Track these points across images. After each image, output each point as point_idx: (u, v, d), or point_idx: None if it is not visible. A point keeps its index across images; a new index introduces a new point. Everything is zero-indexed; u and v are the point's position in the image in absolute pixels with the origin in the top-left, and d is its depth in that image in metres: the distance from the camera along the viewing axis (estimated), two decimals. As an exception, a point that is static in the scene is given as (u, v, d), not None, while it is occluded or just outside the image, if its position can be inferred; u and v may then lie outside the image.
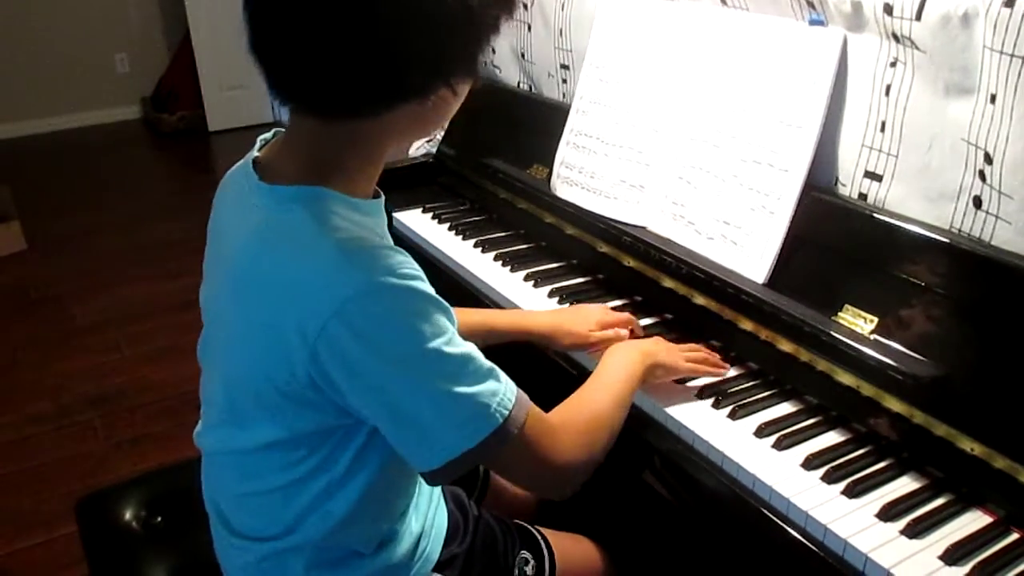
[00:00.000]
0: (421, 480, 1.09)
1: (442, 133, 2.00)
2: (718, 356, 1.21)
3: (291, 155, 0.91)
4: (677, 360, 1.16)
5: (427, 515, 1.10)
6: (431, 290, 0.86)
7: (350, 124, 0.86)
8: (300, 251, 0.84)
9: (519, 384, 0.91)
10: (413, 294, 0.83)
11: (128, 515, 1.33)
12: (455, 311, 1.13)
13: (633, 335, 1.28)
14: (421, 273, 0.86)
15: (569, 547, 1.25)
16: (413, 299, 0.83)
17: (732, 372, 1.21)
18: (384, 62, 0.79)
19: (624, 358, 1.12)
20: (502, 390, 0.87)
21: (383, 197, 0.96)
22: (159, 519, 1.33)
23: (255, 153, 0.95)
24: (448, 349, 0.84)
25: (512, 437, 0.87)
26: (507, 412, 0.87)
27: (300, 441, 0.92)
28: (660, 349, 1.16)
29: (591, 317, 1.27)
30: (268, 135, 0.98)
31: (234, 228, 0.92)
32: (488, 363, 0.88)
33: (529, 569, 1.18)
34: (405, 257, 0.85)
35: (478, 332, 1.24)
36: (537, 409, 0.92)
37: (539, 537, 1.22)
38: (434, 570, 1.09)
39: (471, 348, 0.87)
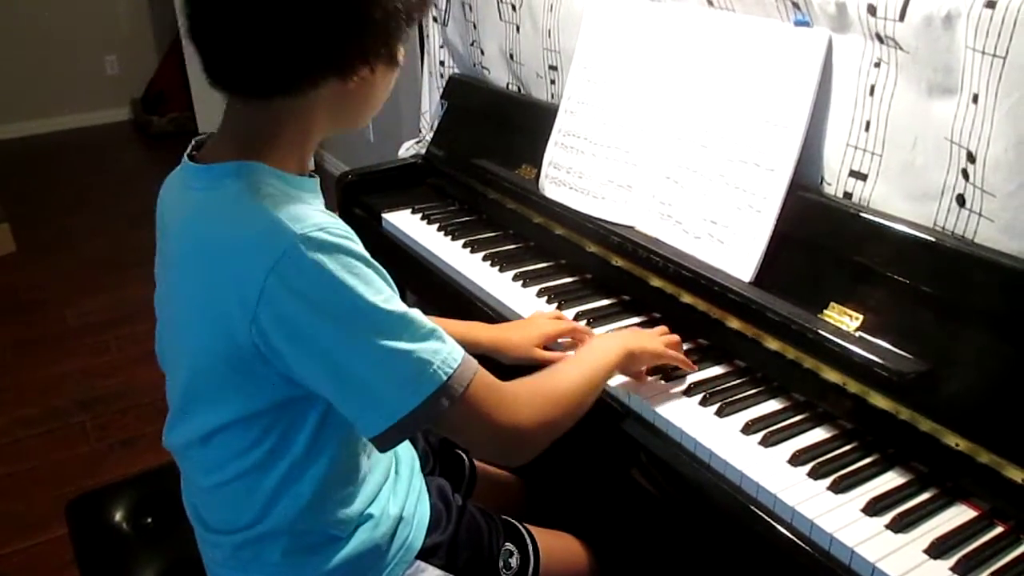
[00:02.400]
0: (395, 463, 1.12)
1: (431, 134, 2.01)
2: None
3: (225, 139, 0.95)
4: (656, 345, 1.18)
5: (406, 501, 1.11)
6: (364, 251, 0.88)
7: (278, 102, 0.89)
8: (234, 218, 0.87)
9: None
10: (345, 251, 0.85)
11: (118, 516, 1.33)
12: None
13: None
14: (353, 235, 0.88)
15: (554, 543, 1.26)
16: (345, 255, 0.85)
17: (719, 370, 1.22)
18: (303, 37, 0.84)
19: (602, 345, 1.15)
20: (445, 349, 0.88)
21: (317, 178, 0.98)
22: (149, 520, 1.33)
23: (190, 152, 0.98)
24: (385, 306, 0.85)
25: (458, 396, 0.88)
26: (451, 371, 0.88)
27: (252, 422, 0.94)
28: (639, 337, 1.19)
29: (536, 331, 1.28)
30: (202, 137, 1.00)
31: (176, 217, 0.95)
32: (430, 324, 0.89)
33: (513, 561, 1.19)
34: (336, 220, 0.88)
35: None
36: (485, 372, 0.93)
37: (524, 531, 1.23)
38: (417, 558, 1.11)
39: (411, 309, 0.88)
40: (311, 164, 0.99)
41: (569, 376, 1.06)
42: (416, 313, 0.89)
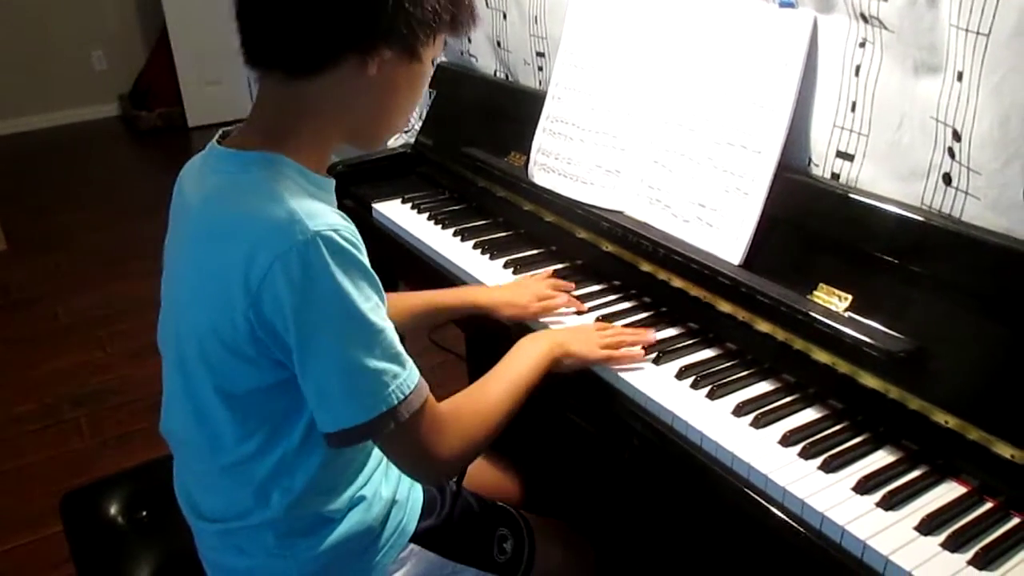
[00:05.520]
0: None
1: (420, 123, 2.00)
2: (642, 333, 1.23)
3: (252, 129, 0.98)
4: (591, 350, 1.17)
5: (399, 485, 1.13)
6: (367, 262, 0.91)
7: (304, 84, 0.93)
8: (254, 203, 0.89)
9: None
10: (349, 257, 0.88)
11: (113, 510, 1.34)
12: (402, 294, 1.26)
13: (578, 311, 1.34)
14: (361, 243, 0.92)
15: (549, 529, 1.27)
16: (348, 261, 0.88)
17: (710, 353, 1.22)
18: (334, 5, 0.88)
19: (530, 350, 1.15)
20: (404, 375, 0.92)
21: (333, 180, 1.01)
22: (144, 513, 1.33)
23: (216, 139, 1.00)
24: (371, 316, 0.89)
25: (401, 422, 0.92)
26: (403, 397, 0.91)
27: (244, 407, 0.96)
28: (574, 339, 1.19)
29: (530, 290, 1.34)
30: (230, 128, 1.02)
31: (197, 197, 0.98)
32: (398, 348, 0.93)
33: (508, 546, 1.20)
34: (351, 225, 0.91)
35: (426, 312, 1.35)
36: (432, 401, 0.97)
37: (518, 517, 1.24)
38: (411, 541, 1.12)
39: (388, 327, 0.92)
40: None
41: (497, 396, 1.07)
42: (391, 332, 0.92)
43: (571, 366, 1.18)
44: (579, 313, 1.33)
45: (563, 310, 1.34)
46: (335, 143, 1.00)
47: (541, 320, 1.32)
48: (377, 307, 0.91)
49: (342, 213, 0.93)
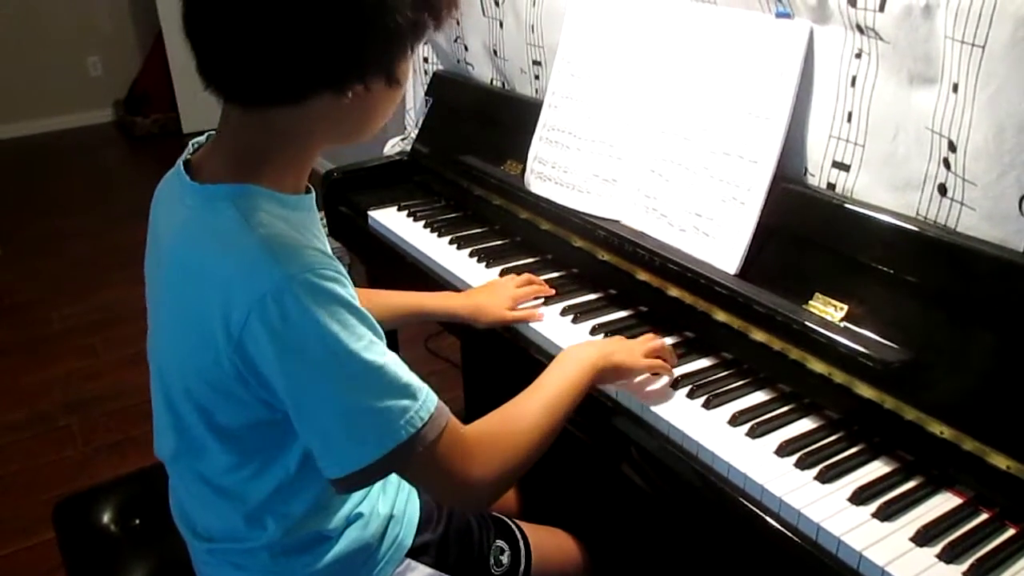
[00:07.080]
0: None
1: (416, 131, 2.01)
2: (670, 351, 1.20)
3: (221, 153, 0.92)
4: (636, 360, 1.14)
5: (396, 500, 1.11)
6: (351, 296, 0.86)
7: (273, 112, 0.86)
8: (225, 246, 0.85)
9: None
10: (329, 295, 0.83)
11: (106, 518, 1.33)
12: (381, 292, 1.27)
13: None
14: (343, 277, 0.86)
15: (546, 539, 1.26)
16: (329, 300, 0.83)
17: (706, 362, 1.22)
18: (302, 46, 0.80)
19: (573, 363, 1.11)
20: (416, 406, 0.86)
21: (313, 193, 0.97)
22: (137, 521, 1.33)
23: (186, 156, 0.96)
24: (363, 354, 0.84)
25: (417, 453, 0.86)
26: (415, 429, 0.86)
27: (236, 439, 0.93)
28: (618, 349, 1.15)
29: (505, 294, 1.35)
30: (201, 139, 0.98)
31: (168, 228, 0.94)
32: (405, 378, 0.87)
33: (504, 559, 1.19)
34: (329, 259, 0.86)
35: (406, 313, 1.35)
36: (455, 425, 0.91)
37: (515, 528, 1.23)
38: (407, 556, 1.11)
39: (389, 359, 0.87)
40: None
41: (531, 414, 1.02)
42: (393, 365, 0.87)
43: (614, 379, 1.14)
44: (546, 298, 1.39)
45: (535, 302, 1.37)
46: (313, 158, 0.95)
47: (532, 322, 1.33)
48: (372, 343, 0.85)
49: (321, 248, 0.88)
